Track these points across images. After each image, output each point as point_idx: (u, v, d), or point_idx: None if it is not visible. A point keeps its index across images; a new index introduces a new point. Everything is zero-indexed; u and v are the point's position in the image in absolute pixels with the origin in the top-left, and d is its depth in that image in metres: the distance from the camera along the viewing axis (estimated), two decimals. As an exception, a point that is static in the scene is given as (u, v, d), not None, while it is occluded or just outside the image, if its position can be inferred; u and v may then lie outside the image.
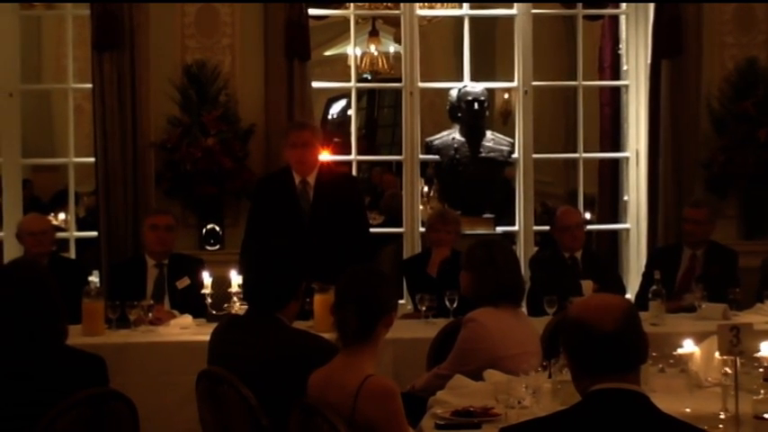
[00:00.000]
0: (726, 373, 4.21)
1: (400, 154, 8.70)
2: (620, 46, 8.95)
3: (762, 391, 4.12)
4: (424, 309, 6.72)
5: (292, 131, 7.14)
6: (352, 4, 8.91)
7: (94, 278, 7.13)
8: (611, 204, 9.10)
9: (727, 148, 8.23)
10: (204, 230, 7.85)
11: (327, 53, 11.88)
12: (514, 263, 5.47)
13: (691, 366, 4.79)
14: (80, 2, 8.21)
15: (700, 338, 4.95)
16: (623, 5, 8.76)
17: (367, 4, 10.54)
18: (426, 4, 10.41)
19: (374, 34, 12.71)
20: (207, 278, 6.66)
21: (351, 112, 9.20)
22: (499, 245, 5.84)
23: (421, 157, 8.67)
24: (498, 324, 5.11)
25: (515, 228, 8.68)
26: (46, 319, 4.03)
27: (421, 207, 8.80)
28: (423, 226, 8.24)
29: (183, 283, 6.98)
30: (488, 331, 5.06)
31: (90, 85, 7.97)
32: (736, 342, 4.31)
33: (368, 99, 14.71)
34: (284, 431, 4.03)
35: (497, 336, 5.06)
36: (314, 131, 7.22)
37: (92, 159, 8.05)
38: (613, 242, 8.96)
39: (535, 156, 8.70)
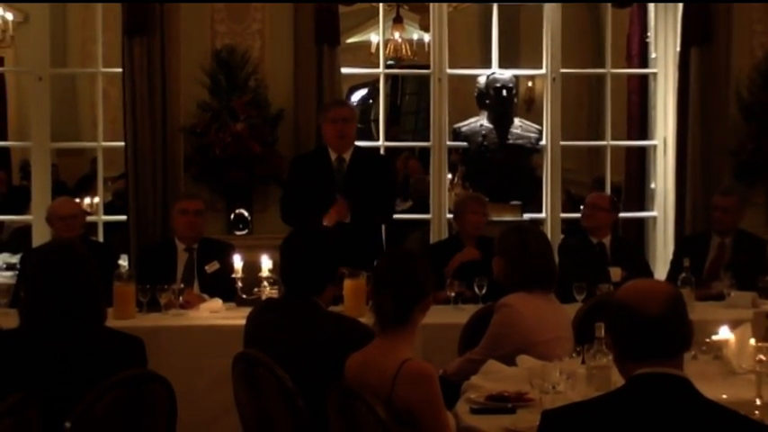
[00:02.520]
0: (760, 361, 4.22)
1: (423, 140, 8.70)
2: (649, 33, 8.94)
3: (796, 378, 4.14)
4: (453, 294, 6.75)
5: (333, 107, 7.32)
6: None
7: (124, 262, 7.20)
8: (638, 192, 9.09)
9: (755, 136, 8.25)
10: (233, 215, 7.87)
11: (350, 40, 11.86)
12: (548, 248, 5.47)
13: (725, 353, 4.81)
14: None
15: (731, 326, 4.96)
16: (653, -7, 8.77)
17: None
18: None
19: (398, 21, 12.69)
20: (238, 262, 6.69)
21: (378, 99, 9.14)
22: (532, 230, 5.86)
23: (448, 143, 8.69)
24: (532, 309, 5.11)
25: (542, 215, 8.69)
26: (88, 300, 4.07)
27: (449, 193, 8.80)
28: (450, 212, 8.24)
29: (213, 267, 6.99)
30: (522, 316, 5.07)
31: (118, 70, 7.99)
32: (770, 329, 4.33)
33: (391, 86, 14.67)
34: (320, 414, 4.05)
35: (531, 321, 5.07)
36: (353, 109, 7.56)
37: (118, 144, 8.10)
38: (640, 230, 8.94)
39: (563, 143, 8.71)
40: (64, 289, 4.03)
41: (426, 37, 8.66)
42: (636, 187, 9.14)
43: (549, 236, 8.38)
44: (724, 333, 4.82)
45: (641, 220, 8.99)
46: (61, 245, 5.31)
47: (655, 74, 8.81)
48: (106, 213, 8.57)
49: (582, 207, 7.73)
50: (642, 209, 9.00)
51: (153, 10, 7.79)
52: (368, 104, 15.14)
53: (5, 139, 11.69)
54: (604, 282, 6.88)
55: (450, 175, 9.51)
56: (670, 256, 7.98)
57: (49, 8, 8.56)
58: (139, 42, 7.81)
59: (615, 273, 7.08)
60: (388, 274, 4.12)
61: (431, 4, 8.65)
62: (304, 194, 7.03)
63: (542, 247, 5.43)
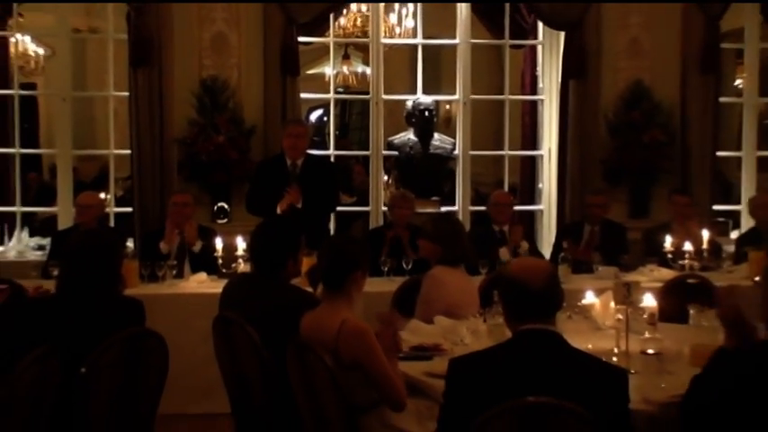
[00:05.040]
0: (619, 319, 4.28)
1: (365, 150, 8.70)
2: (538, 69, 8.97)
3: (646, 333, 4.18)
4: (386, 269, 6.76)
5: (290, 125, 7.41)
6: (331, 33, 8.88)
7: (130, 243, 7.14)
8: (529, 191, 9.13)
9: (619, 149, 8.28)
10: (215, 208, 7.81)
11: (309, 72, 11.83)
12: (466, 233, 5.55)
13: (592, 314, 4.86)
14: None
15: (597, 293, 5.01)
16: (540, 37, 8.78)
17: (342, 33, 10.53)
18: (388, 33, 10.41)
19: (346, 57, 12.64)
20: (219, 244, 6.67)
21: (330, 117, 9.13)
22: (457, 219, 5.91)
23: (384, 152, 8.68)
24: (451, 279, 5.15)
25: (456, 207, 8.68)
26: (108, 274, 4.10)
27: (383, 192, 8.79)
28: (384, 205, 8.25)
29: (197, 246, 6.99)
30: (445, 284, 5.11)
31: (125, 93, 7.91)
32: (627, 295, 4.37)
33: (341, 108, 14.62)
34: (281, 363, 4.04)
35: (451, 288, 5.11)
36: (306, 127, 7.70)
37: (126, 151, 8.01)
38: (531, 220, 8.99)
39: (472, 153, 8.70)
40: (91, 265, 4.03)
41: (368, 70, 8.64)
42: (527, 187, 9.18)
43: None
44: (590, 298, 4.87)
45: (532, 213, 9.02)
46: (90, 232, 5.30)
47: (542, 100, 8.85)
48: (117, 206, 8.49)
49: (491, 204, 7.75)
50: (532, 203, 9.02)
51: (153, 46, 7.73)
52: (323, 122, 15.12)
53: (37, 147, 11.55)
54: (501, 260, 6.98)
55: (385, 177, 9.48)
56: (553, 240, 8.07)
57: (71, 44, 8.46)
58: (142, 72, 7.75)
59: (504, 253, 7.21)
60: (327, 250, 4.11)
61: (370, 44, 8.63)
62: (265, 190, 7.09)
63: (465, 233, 5.50)
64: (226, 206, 7.82)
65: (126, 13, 7.77)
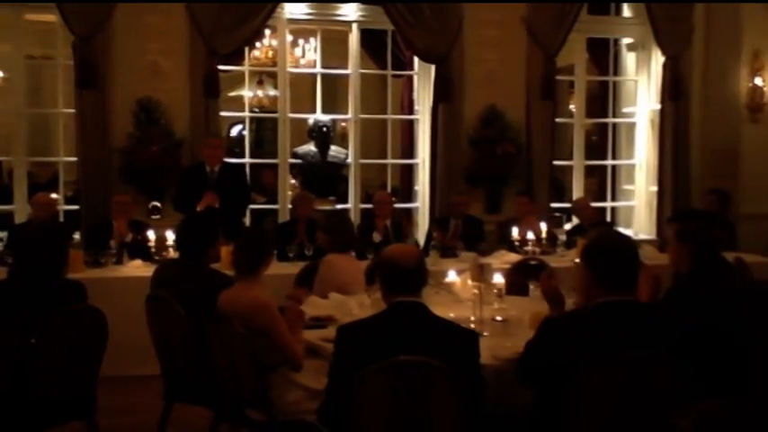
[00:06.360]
0: (475, 293, 4.36)
1: (275, 158, 8.64)
2: (414, 94, 9.04)
3: (495, 304, 4.28)
4: (292, 255, 6.74)
5: (210, 138, 7.35)
6: (246, 63, 8.78)
7: (77, 236, 6.94)
8: (408, 192, 9.20)
9: (478, 158, 8.37)
10: (150, 206, 7.63)
11: (231, 94, 11.67)
12: (353, 226, 5.59)
13: (454, 288, 4.94)
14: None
15: (459, 272, 5.10)
16: (416, 68, 8.84)
17: (257, 63, 10.45)
18: (294, 64, 10.38)
19: (260, 82, 12.52)
20: (152, 236, 6.55)
21: (245, 132, 9.04)
22: (345, 215, 5.93)
23: (290, 161, 8.63)
24: (342, 263, 5.17)
25: (349, 206, 8.69)
26: (55, 261, 3.98)
27: (289, 193, 8.74)
28: (290, 204, 8.19)
29: (130, 238, 6.86)
30: (338, 267, 5.12)
31: (73, 110, 7.65)
32: (481, 274, 4.47)
33: (257, 124, 14.45)
34: (202, 332, 4.00)
35: (342, 270, 5.12)
36: (222, 140, 7.70)
37: (73, 159, 7.77)
38: (408, 216, 9.05)
39: (361, 161, 8.71)
40: (40, 253, 3.93)
41: (278, 93, 8.59)
42: (406, 189, 9.25)
43: (353, 219, 8.46)
44: (452, 277, 4.95)
45: (410, 209, 9.07)
46: (38, 225, 5.14)
47: (418, 119, 8.90)
48: (66, 204, 8.22)
49: (375, 202, 7.77)
50: (410, 202, 9.09)
51: (97, 71, 7.51)
52: (242, 135, 14.89)
53: (-3, 156, 11.09)
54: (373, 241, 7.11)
55: (292, 181, 9.44)
56: (426, 231, 8.14)
57: (26, 69, 8.16)
58: (87, 92, 7.51)
59: (375, 236, 7.28)
60: (243, 241, 4.09)
61: (279, 72, 8.57)
62: (189, 192, 6.99)
63: (352, 226, 5.55)
64: (159, 205, 7.64)
65: (72, 43, 7.53)
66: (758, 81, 8.75)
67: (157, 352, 4.40)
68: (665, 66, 8.75)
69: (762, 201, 8.79)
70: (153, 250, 6.51)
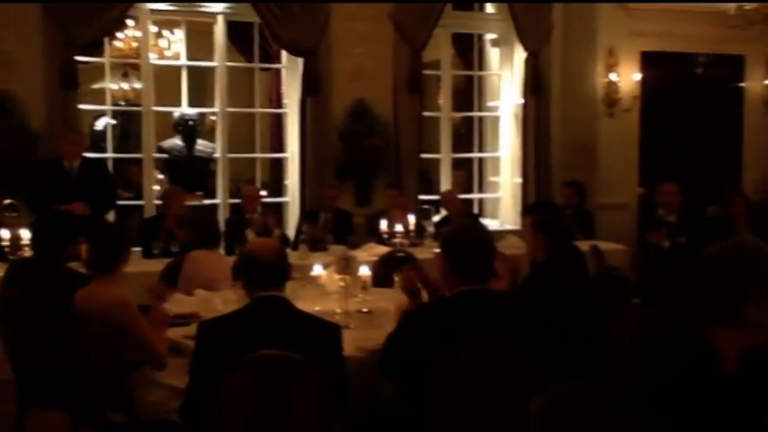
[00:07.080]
0: (341, 286, 4.39)
1: (140, 153, 8.40)
2: (282, 87, 8.98)
3: (360, 296, 4.33)
4: (156, 251, 6.58)
5: (69, 133, 7.10)
6: (107, 54, 8.49)
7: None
8: (277, 186, 9.14)
9: (347, 152, 8.37)
10: (4, 203, 7.28)
11: (94, 86, 11.23)
12: (216, 222, 5.52)
13: (320, 281, 4.94)
14: None
15: (324, 266, 5.09)
16: (284, 62, 8.77)
17: (119, 54, 10.13)
18: (159, 55, 10.12)
19: (125, 75, 12.16)
20: (5, 234, 6.26)
21: (109, 125, 8.75)
22: (210, 211, 5.84)
23: (155, 155, 8.42)
24: (208, 259, 5.11)
25: (217, 201, 8.54)
26: None
27: (157, 188, 8.53)
28: (160, 199, 7.98)
29: None
30: (202, 263, 5.06)
31: None
32: (348, 267, 4.50)
33: (124, 118, 14.00)
34: (58, 331, 3.86)
35: (207, 266, 5.06)
36: (82, 135, 7.42)
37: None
38: (279, 211, 8.99)
39: (229, 155, 8.59)
40: None
41: (142, 86, 8.35)
42: (276, 182, 9.19)
43: (221, 214, 8.34)
44: (317, 270, 4.96)
45: (280, 203, 8.94)
46: None
47: (286, 113, 8.84)
48: None
49: (243, 196, 7.68)
50: (280, 196, 9.00)
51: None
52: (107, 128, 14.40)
53: None
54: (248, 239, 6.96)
55: (160, 176, 9.21)
56: (296, 225, 8.12)
57: None
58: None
59: (249, 233, 7.11)
60: (97, 238, 3.97)
61: (141, 65, 8.34)
62: (44, 189, 6.74)
63: (215, 222, 5.48)
64: (15, 202, 7.30)
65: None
66: (613, 77, 9.17)
67: (9, 355, 4.20)
68: (526, 61, 9.05)
69: (617, 191, 9.24)
70: (7, 250, 6.20)
